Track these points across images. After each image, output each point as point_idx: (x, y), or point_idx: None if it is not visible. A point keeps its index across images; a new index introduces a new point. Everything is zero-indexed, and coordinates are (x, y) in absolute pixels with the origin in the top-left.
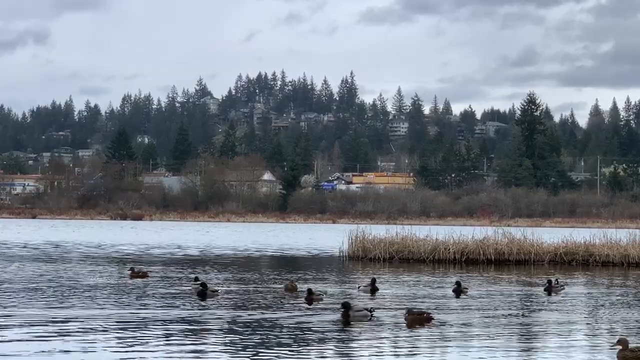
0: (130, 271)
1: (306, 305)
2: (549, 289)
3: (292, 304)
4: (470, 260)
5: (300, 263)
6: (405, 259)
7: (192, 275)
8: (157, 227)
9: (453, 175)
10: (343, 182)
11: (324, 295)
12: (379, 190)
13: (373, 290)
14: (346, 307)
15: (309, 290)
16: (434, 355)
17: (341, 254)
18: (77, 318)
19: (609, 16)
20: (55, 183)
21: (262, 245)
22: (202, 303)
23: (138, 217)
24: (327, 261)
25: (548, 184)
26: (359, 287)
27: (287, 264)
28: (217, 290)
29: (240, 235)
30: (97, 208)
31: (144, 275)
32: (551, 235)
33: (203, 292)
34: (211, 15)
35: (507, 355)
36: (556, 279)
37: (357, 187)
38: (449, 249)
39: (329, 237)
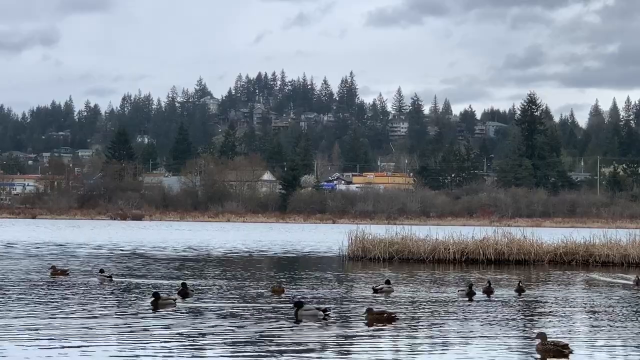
0: (51, 269)
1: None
2: (470, 294)
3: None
4: (470, 260)
5: (300, 263)
6: (405, 259)
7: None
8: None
9: (453, 175)
10: (343, 182)
11: (175, 300)
12: (379, 190)
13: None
14: (297, 305)
15: (155, 294)
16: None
17: (341, 254)
18: None
19: (616, 18)
20: (55, 183)
21: (261, 245)
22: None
23: (138, 217)
24: (327, 261)
25: (548, 184)
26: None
27: (286, 264)
28: (193, 290)
29: (240, 235)
30: (97, 208)
31: (63, 273)
32: (551, 235)
33: (184, 292)
34: (221, 17)
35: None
36: (519, 282)
37: (357, 187)
38: (449, 249)
39: (328, 237)
